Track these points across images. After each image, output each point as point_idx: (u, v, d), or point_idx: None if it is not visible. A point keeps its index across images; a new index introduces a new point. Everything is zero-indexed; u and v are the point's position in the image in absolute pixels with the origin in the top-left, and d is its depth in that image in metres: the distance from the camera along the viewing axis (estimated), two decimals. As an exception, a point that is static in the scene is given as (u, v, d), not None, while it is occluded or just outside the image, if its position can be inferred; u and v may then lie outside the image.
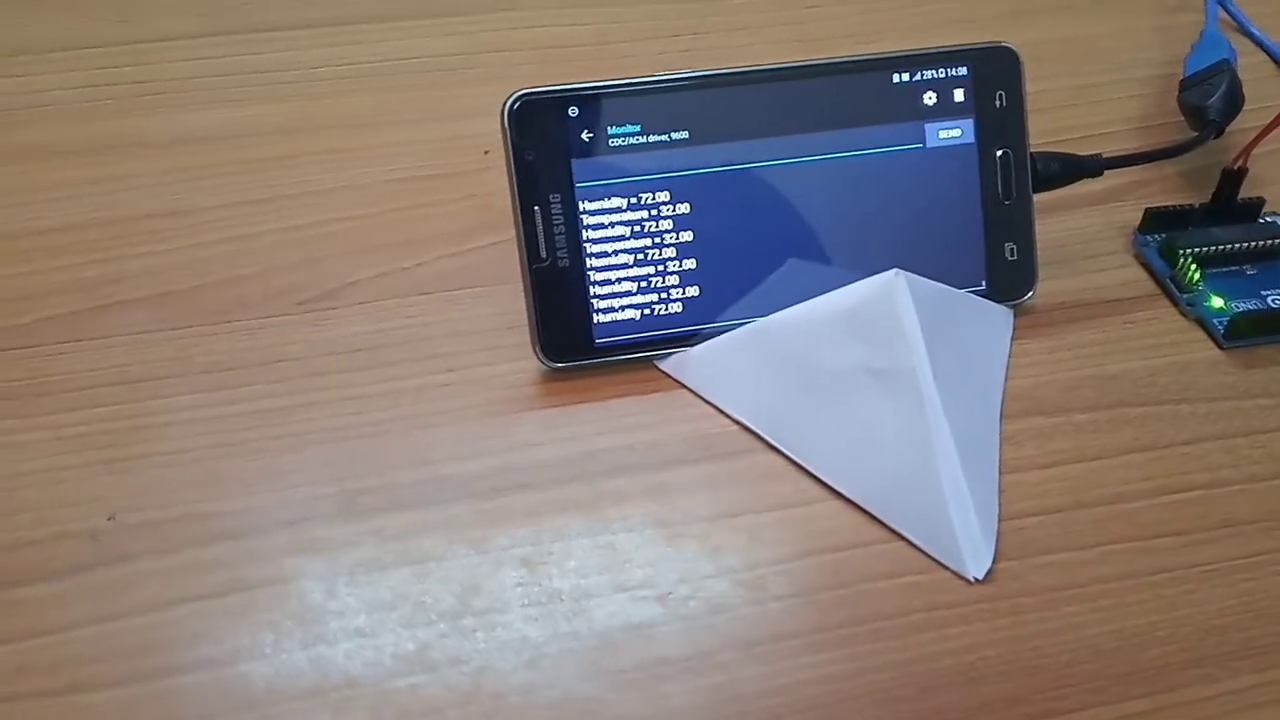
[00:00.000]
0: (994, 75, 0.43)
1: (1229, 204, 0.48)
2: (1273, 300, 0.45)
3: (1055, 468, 0.40)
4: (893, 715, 0.33)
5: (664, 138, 0.42)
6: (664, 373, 0.42)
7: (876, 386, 0.39)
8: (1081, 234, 0.49)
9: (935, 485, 0.37)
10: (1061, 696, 0.34)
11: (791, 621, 0.35)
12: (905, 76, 0.43)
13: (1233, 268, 0.47)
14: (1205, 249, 0.46)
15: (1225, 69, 0.50)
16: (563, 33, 0.60)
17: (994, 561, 0.37)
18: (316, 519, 0.38)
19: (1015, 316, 0.45)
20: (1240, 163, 0.47)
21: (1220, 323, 0.44)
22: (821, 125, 0.43)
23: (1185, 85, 0.51)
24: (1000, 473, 0.39)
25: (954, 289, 0.42)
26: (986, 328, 0.43)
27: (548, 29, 0.60)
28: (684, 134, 0.42)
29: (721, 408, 0.41)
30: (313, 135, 0.54)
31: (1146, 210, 0.48)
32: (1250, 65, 0.58)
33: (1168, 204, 0.48)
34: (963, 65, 0.43)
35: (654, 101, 0.42)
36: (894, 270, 0.40)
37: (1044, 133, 0.51)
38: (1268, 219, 0.48)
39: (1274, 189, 0.50)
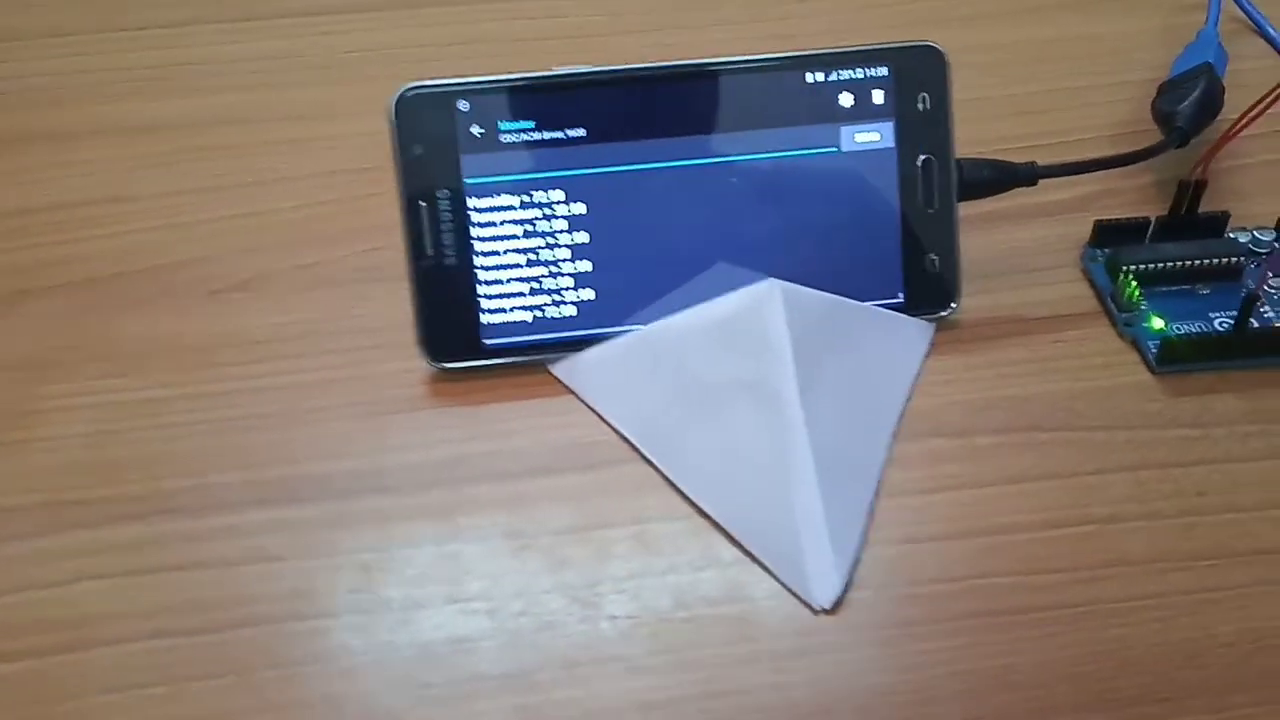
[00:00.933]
0: (917, 77, 0.41)
1: (1190, 218, 0.45)
2: (1220, 323, 0.42)
3: (942, 493, 0.38)
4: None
5: (559, 135, 0.41)
6: (556, 378, 0.41)
7: (744, 400, 0.37)
8: (1035, 245, 0.46)
9: (787, 507, 0.35)
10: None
11: (620, 644, 0.34)
12: (819, 76, 0.41)
13: (1183, 287, 0.44)
14: (1149, 266, 0.43)
15: (1203, 73, 0.47)
16: (539, 26, 0.59)
17: (849, 591, 0.35)
18: (174, 511, 0.37)
19: (936, 331, 0.42)
20: (1199, 174, 0.44)
21: (1154, 345, 0.41)
22: (728, 126, 0.41)
23: (1162, 90, 0.48)
24: (878, 496, 0.37)
25: (847, 300, 0.40)
26: (890, 342, 0.41)
27: (525, 22, 0.60)
28: (581, 132, 0.41)
29: (603, 415, 0.40)
30: (271, 125, 0.54)
31: (1096, 223, 0.45)
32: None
33: (1121, 216, 0.45)
34: (883, 65, 0.41)
35: (549, 98, 0.40)
36: (769, 280, 0.38)
37: (1021, 137, 0.49)
38: (1232, 235, 0.45)
39: (1249, 203, 0.46)
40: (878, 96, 0.41)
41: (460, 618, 0.35)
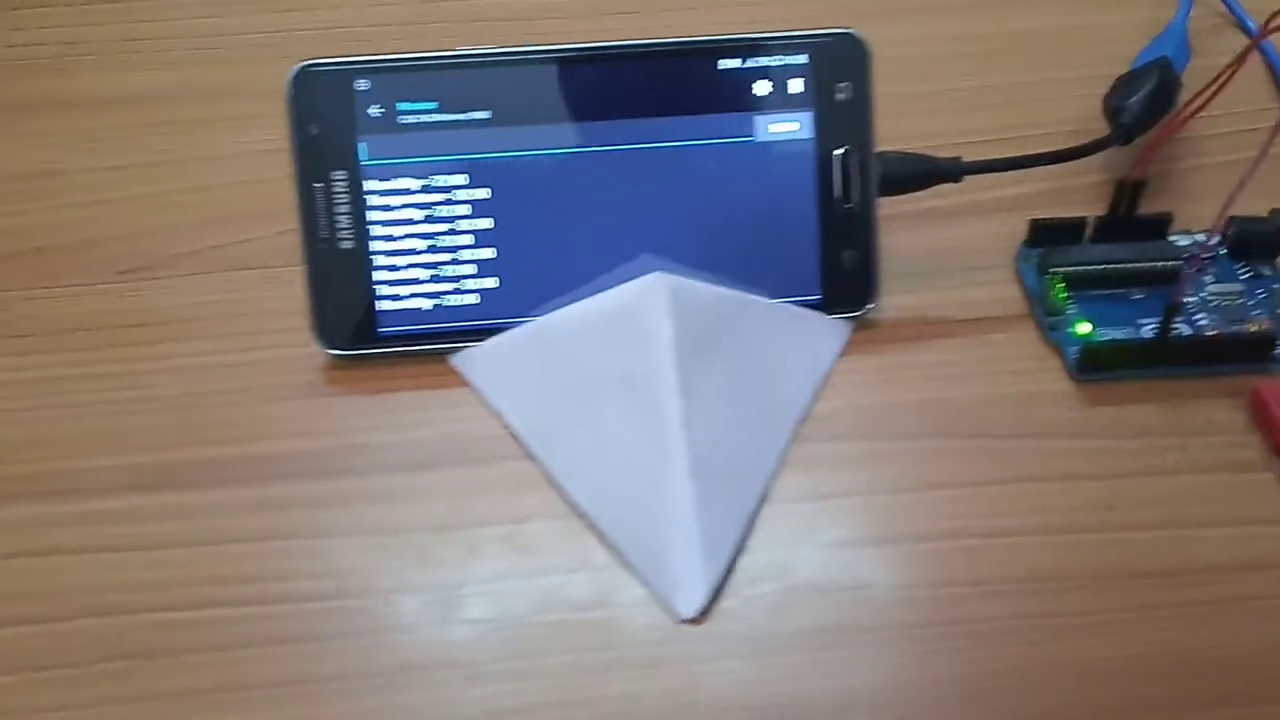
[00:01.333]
0: (838, 66, 0.40)
1: (1131, 219, 0.43)
2: (1148, 330, 0.40)
3: (833, 499, 0.36)
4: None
5: (462, 117, 0.39)
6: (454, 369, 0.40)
7: (624, 397, 0.36)
8: (972, 245, 0.44)
9: (659, 509, 0.34)
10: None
11: (470, 649, 0.33)
12: (734, 63, 0.40)
13: (1117, 291, 0.42)
14: (1079, 268, 0.41)
15: (1157, 68, 0.45)
16: (505, 4, 0.58)
17: (718, 599, 0.33)
18: (62, 493, 0.37)
19: (855, 330, 0.41)
20: (1138, 173, 0.42)
21: (1075, 351, 0.39)
22: (640, 111, 0.40)
23: (1116, 85, 0.46)
24: (767, 501, 0.36)
25: (746, 296, 0.39)
26: (795, 340, 0.39)
27: (490, 1, 0.58)
28: (485, 114, 0.39)
29: (494, 409, 0.38)
30: (220, 101, 0.53)
31: (1031, 222, 0.43)
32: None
33: (1056, 216, 0.43)
34: (801, 54, 0.40)
35: (452, 78, 0.39)
36: (657, 273, 0.37)
37: (976, 131, 0.47)
38: (1174, 239, 0.43)
39: (1201, 205, 0.44)
40: (795, 85, 0.40)
41: (294, 619, 0.34)
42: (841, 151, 0.40)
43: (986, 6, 0.57)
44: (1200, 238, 0.43)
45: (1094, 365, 0.39)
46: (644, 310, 0.36)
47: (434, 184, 0.40)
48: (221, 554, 0.35)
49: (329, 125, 0.39)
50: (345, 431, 0.39)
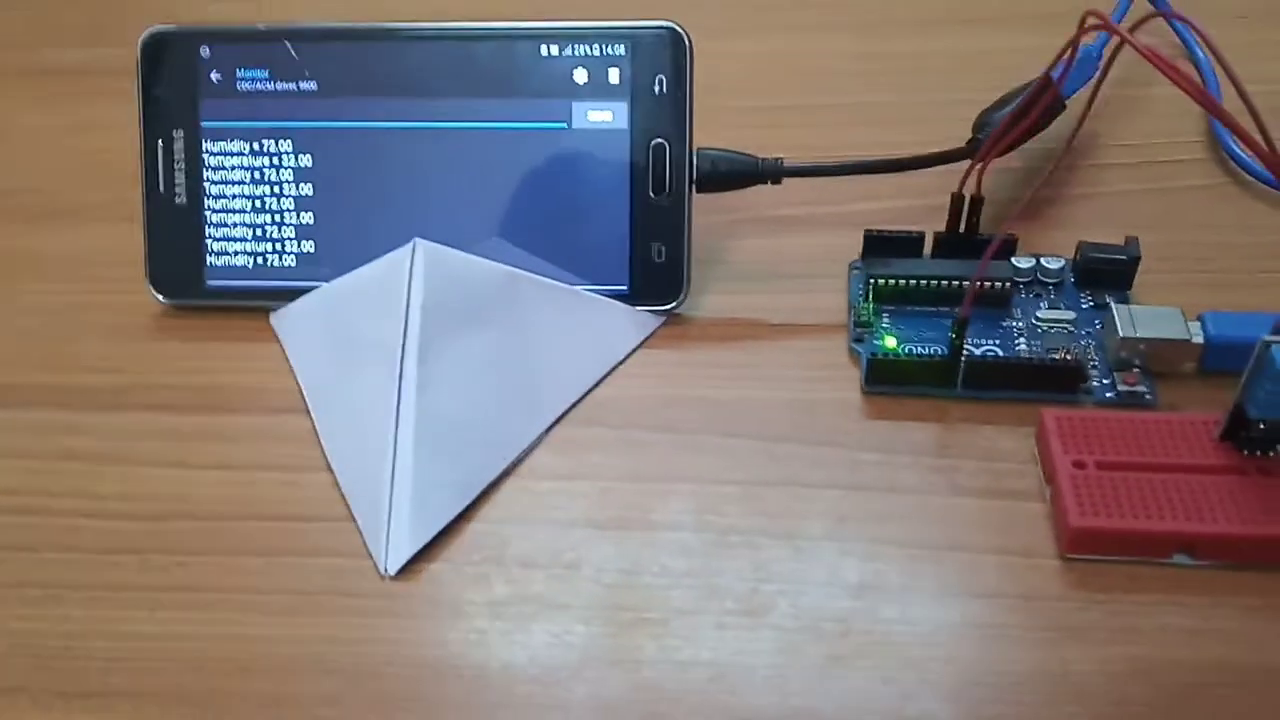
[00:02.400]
0: (656, 58, 0.40)
1: (972, 237, 0.42)
2: (945, 350, 0.39)
3: (575, 481, 0.37)
4: (206, 686, 0.32)
5: (292, 86, 0.41)
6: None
7: (375, 359, 0.37)
8: (818, 252, 0.44)
9: (381, 469, 0.35)
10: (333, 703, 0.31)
11: (161, 577, 0.34)
12: (554, 50, 0.40)
13: (941, 308, 0.40)
14: (897, 282, 0.40)
15: (1031, 87, 0.44)
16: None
17: (425, 561, 0.34)
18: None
19: (665, 323, 0.41)
20: (973, 190, 0.41)
21: (865, 363, 0.39)
22: (460, 92, 0.41)
23: (995, 103, 0.45)
24: (508, 475, 0.36)
25: (527, 275, 0.39)
26: (580, 325, 0.40)
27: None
28: (313, 85, 0.41)
29: (291, 364, 0.40)
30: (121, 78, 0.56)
31: (865, 234, 0.42)
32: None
33: (892, 229, 0.42)
34: (620, 44, 0.40)
35: (285, 49, 0.41)
36: (417, 239, 0.38)
37: (860, 145, 0.45)
38: (1016, 261, 0.41)
39: (1085, 232, 0.42)
40: (614, 75, 0.40)
41: (82, 531, 0.36)
42: (655, 143, 0.40)
43: (918, 24, 0.56)
44: (1045, 261, 0.41)
45: (882, 378, 0.38)
46: (399, 276, 0.37)
47: (263, 148, 0.41)
48: (21, 468, 0.38)
49: (173, 87, 0.41)
50: (159, 371, 0.41)
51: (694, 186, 0.40)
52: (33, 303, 0.44)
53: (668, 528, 0.35)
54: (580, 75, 0.40)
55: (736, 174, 0.41)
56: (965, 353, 0.38)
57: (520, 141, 0.40)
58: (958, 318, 0.37)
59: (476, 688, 0.31)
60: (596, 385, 0.39)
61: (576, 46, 0.40)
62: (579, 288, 0.40)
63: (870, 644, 0.32)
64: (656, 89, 0.40)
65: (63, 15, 0.61)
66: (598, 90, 0.40)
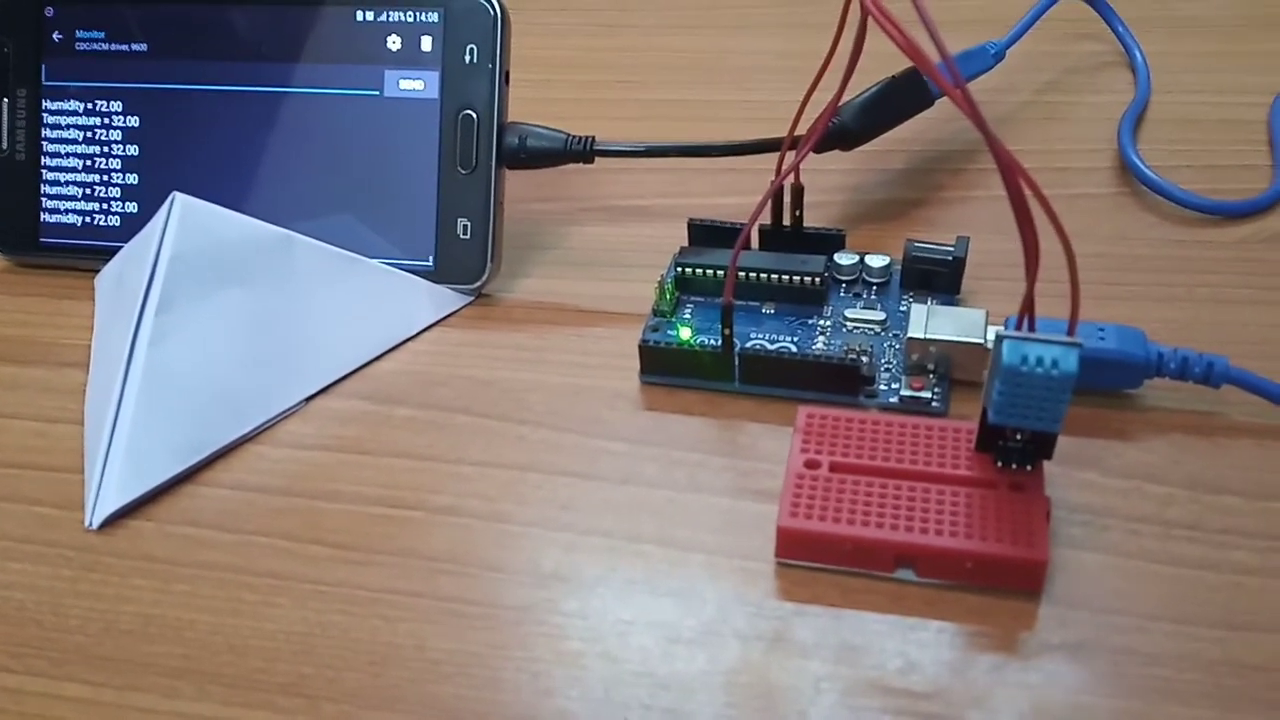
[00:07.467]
0: (468, 27, 0.39)
1: (799, 231, 0.39)
2: (751, 343, 0.36)
3: (316, 452, 0.36)
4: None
5: (124, 48, 0.41)
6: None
7: (128, 310, 0.36)
8: (654, 243, 0.42)
9: (105, 421, 0.34)
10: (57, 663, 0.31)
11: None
12: (369, 15, 0.40)
13: (752, 303, 0.38)
14: (699, 272, 0.38)
15: (892, 78, 0.41)
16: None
17: (134, 519, 0.34)
18: None
19: (471, 302, 0.40)
20: (790, 179, 0.38)
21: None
22: (278, 56, 0.40)
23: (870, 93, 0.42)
24: (251, 440, 0.36)
25: (308, 240, 0.38)
26: (364, 295, 0.38)
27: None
28: (143, 46, 0.41)
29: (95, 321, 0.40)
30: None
31: (689, 223, 0.40)
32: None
33: (715, 219, 0.40)
34: (434, 11, 0.39)
35: (120, 11, 0.41)
36: (176, 193, 0.37)
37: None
38: (839, 258, 0.39)
39: (964, 232, 0.39)
40: (426, 43, 0.39)
41: None
42: (464, 115, 0.39)
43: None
44: (869, 260, 0.39)
45: (656, 368, 0.36)
46: (154, 228, 0.37)
47: (96, 108, 0.42)
48: None
49: (19, 45, 0.42)
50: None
51: (500, 161, 0.39)
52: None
53: (384, 504, 0.33)
54: (394, 42, 0.39)
55: (545, 151, 0.39)
56: (746, 347, 0.35)
57: (335, 108, 0.40)
58: (725, 305, 0.34)
59: (175, 650, 0.31)
60: (378, 359, 0.38)
61: (390, 13, 0.39)
62: (378, 261, 0.39)
63: (536, 635, 0.30)
64: (467, 59, 0.39)
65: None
66: (410, 58, 0.39)
